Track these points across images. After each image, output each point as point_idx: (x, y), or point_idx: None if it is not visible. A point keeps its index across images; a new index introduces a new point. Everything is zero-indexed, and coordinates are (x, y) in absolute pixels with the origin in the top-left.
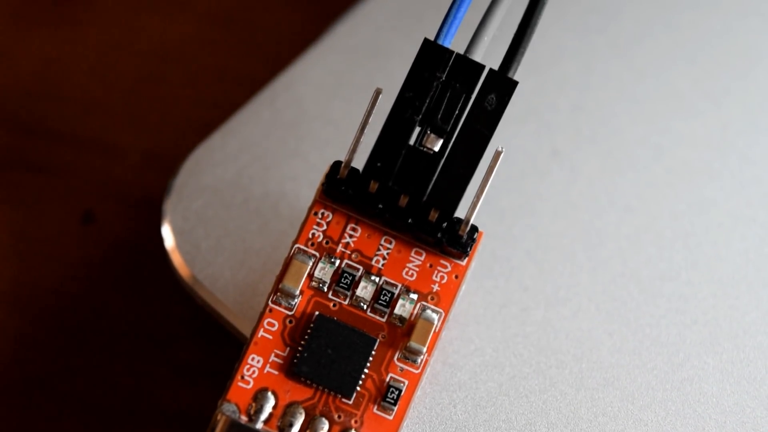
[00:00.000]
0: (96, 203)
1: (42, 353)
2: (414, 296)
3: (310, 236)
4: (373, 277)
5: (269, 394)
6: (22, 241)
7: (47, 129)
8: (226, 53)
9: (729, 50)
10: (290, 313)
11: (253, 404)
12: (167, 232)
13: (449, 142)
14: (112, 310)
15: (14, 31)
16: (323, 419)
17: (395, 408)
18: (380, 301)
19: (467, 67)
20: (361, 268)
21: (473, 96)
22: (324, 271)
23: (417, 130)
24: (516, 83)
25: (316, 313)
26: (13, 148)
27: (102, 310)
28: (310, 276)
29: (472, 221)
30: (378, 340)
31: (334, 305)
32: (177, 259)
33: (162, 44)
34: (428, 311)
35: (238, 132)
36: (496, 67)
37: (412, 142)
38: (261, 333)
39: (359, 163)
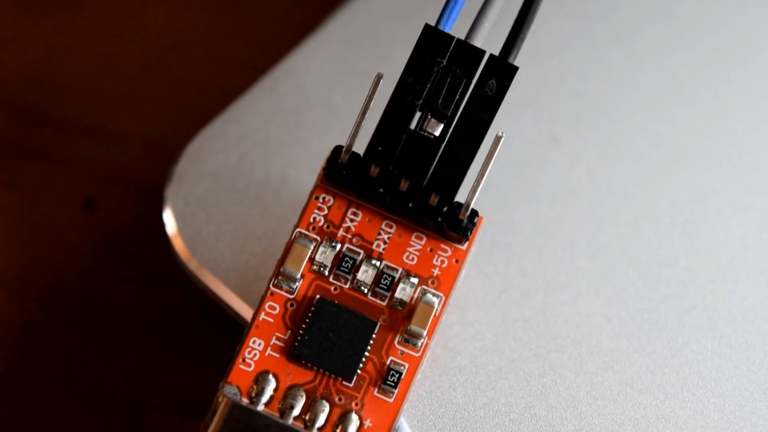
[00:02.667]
0: (98, 190)
1: (44, 339)
2: (414, 280)
3: (312, 220)
4: (373, 261)
5: (270, 376)
6: (24, 228)
7: (50, 117)
8: (227, 41)
9: (728, 39)
10: (291, 296)
11: (255, 387)
12: (169, 218)
13: (450, 127)
14: (114, 295)
15: (17, 19)
16: (324, 402)
17: (395, 391)
18: (381, 285)
19: (468, 52)
20: (361, 252)
21: (474, 81)
22: (325, 255)
23: (418, 114)
24: (516, 68)
25: (317, 296)
26: (15, 135)
27: (104, 296)
28: (311, 260)
29: (472, 206)
30: (378, 324)
31: (335, 289)
32: (179, 245)
33: (163, 32)
34: (429, 295)
35: (239, 119)
36: (496, 53)
37: (412, 126)
38: (262, 316)
39: (360, 148)
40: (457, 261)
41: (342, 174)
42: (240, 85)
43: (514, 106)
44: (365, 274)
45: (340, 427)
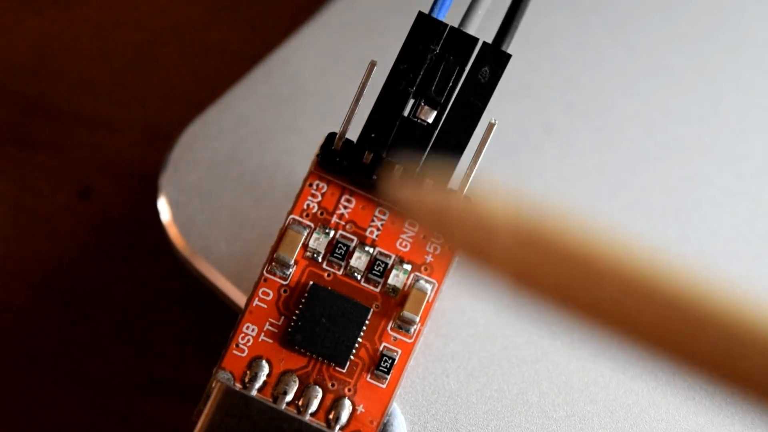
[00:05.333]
0: (93, 178)
1: (40, 326)
2: (408, 267)
3: (305, 207)
4: (367, 248)
5: (263, 362)
6: (20, 217)
7: (44, 106)
8: (221, 29)
9: (721, 26)
10: (285, 282)
11: (248, 372)
12: (163, 206)
13: (443, 114)
14: (109, 282)
15: (12, 8)
16: (317, 387)
17: (388, 377)
18: (374, 272)
19: (461, 40)
20: (355, 238)
21: (467, 69)
22: (318, 242)
23: (411, 101)
24: (509, 56)
25: (311, 282)
26: (10, 124)
27: (98, 283)
28: (305, 246)
29: (464, 193)
30: (372, 310)
31: (329, 275)
32: (173, 232)
33: (158, 20)
34: (422, 281)
35: (233, 106)
36: (490, 41)
37: (406, 113)
38: (256, 302)
39: (354, 135)
40: (450, 248)
41: (336, 161)
42: (234, 74)
43: (507, 94)
44: (358, 260)
45: (333, 413)
